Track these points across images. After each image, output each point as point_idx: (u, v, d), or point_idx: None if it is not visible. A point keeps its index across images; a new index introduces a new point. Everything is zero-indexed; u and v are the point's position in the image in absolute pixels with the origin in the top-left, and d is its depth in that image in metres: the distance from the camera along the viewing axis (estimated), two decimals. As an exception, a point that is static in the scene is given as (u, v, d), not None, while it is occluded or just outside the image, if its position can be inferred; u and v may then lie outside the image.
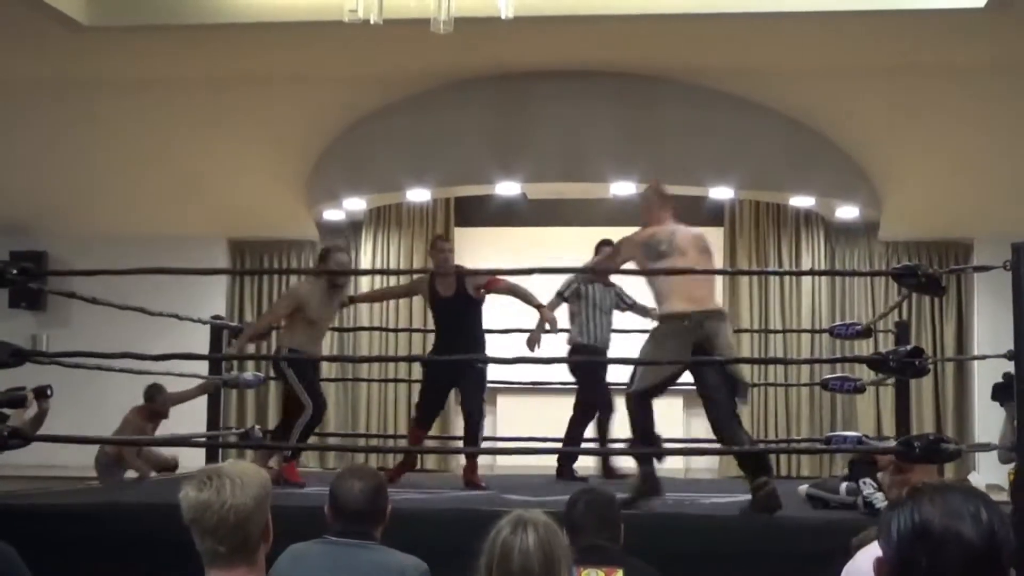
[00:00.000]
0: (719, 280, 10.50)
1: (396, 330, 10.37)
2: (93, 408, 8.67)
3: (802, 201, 10.23)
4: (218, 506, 2.24)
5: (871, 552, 2.29)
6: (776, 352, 10.66)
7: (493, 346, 7.06)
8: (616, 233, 10.28)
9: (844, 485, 5.47)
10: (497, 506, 5.03)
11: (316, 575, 3.17)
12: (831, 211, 10.48)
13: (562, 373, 8.12)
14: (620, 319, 7.70)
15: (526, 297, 6.76)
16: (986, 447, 6.35)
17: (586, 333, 7.41)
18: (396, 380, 10.53)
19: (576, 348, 7.43)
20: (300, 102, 9.42)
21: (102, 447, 7.70)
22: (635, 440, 5.57)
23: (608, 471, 7.44)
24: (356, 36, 7.11)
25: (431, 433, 10.42)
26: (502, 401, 10.09)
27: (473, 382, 6.78)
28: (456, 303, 6.75)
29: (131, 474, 7.81)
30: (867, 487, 5.21)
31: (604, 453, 7.58)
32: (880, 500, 5.07)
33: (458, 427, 7.59)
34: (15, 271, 5.26)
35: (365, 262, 11.06)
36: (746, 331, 10.49)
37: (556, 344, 7.33)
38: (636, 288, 6.96)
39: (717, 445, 5.69)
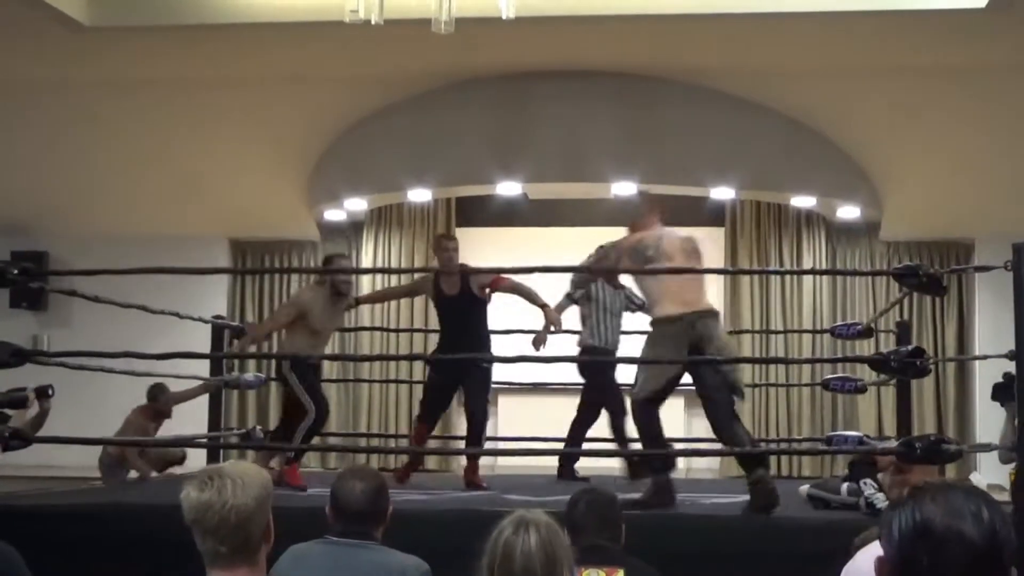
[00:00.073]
0: (714, 281, 10.51)
1: (397, 330, 10.37)
2: (94, 408, 8.68)
3: (803, 201, 10.23)
4: (219, 506, 2.24)
5: (870, 552, 2.29)
6: (777, 352, 10.66)
7: (495, 347, 7.04)
8: (617, 234, 10.41)
9: (845, 485, 5.47)
10: (498, 506, 5.03)
11: (317, 575, 3.17)
12: (832, 211, 10.48)
13: (563, 373, 8.13)
14: (629, 321, 7.68)
15: (531, 296, 6.74)
16: (987, 447, 6.35)
17: (596, 335, 7.39)
18: (397, 381, 10.54)
19: (586, 350, 7.39)
20: (301, 102, 9.43)
21: (105, 447, 7.70)
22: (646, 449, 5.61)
23: (634, 471, 7.31)
24: (357, 36, 7.11)
25: (432, 433, 10.51)
26: (503, 401, 10.09)
27: (477, 382, 6.74)
28: (460, 302, 6.72)
29: (134, 474, 7.81)
30: (868, 488, 5.20)
31: (605, 454, 7.57)
32: (881, 500, 5.07)
33: (460, 427, 7.58)
34: (16, 271, 5.27)
35: (366, 262, 11.06)
36: (747, 331, 10.50)
37: (560, 344, 7.32)
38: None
39: (718, 446, 5.69)
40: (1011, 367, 4.89)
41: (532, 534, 2.44)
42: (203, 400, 7.87)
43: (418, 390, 10.62)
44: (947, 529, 1.53)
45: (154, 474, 7.82)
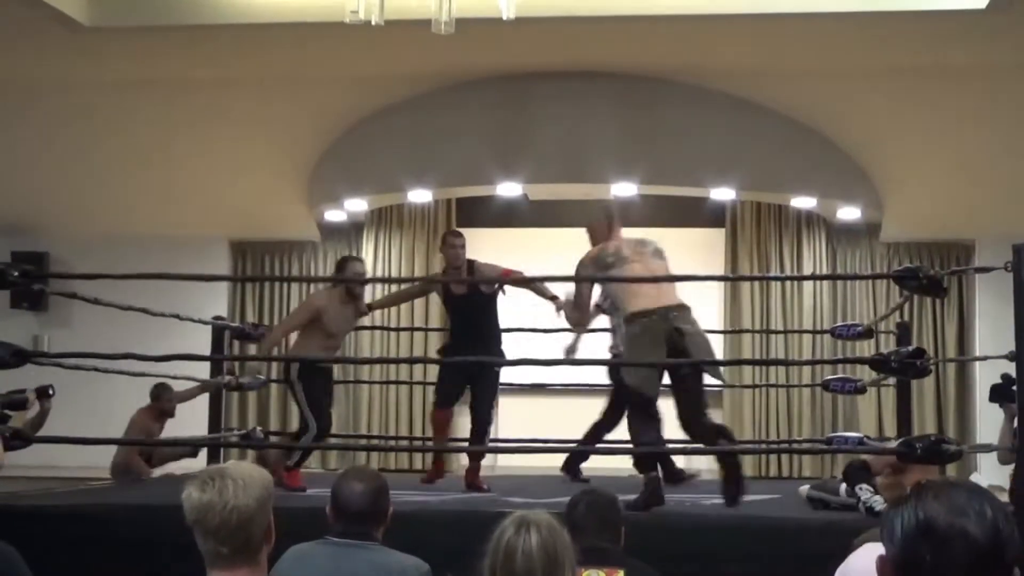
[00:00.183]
0: (715, 282, 10.50)
1: (398, 329, 10.36)
2: (94, 408, 8.68)
3: (803, 202, 10.22)
4: (220, 507, 2.24)
5: (862, 553, 2.29)
6: (777, 353, 10.65)
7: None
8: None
9: (844, 487, 5.47)
10: (499, 507, 5.03)
11: (317, 575, 3.17)
12: (832, 212, 10.48)
13: (563, 375, 8.13)
14: None
15: (540, 290, 6.73)
16: (987, 448, 6.37)
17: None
18: (398, 382, 10.54)
19: (618, 356, 7.34)
20: (302, 103, 9.43)
21: (116, 451, 7.71)
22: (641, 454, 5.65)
23: (670, 475, 7.19)
24: (357, 37, 7.11)
25: (431, 433, 10.50)
26: (504, 402, 10.07)
27: (486, 383, 6.70)
28: (470, 300, 6.68)
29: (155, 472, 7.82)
30: (865, 492, 5.20)
31: (604, 452, 7.56)
32: (880, 503, 5.06)
33: (462, 428, 7.53)
34: (17, 272, 5.28)
35: (366, 263, 11.05)
36: (747, 332, 10.49)
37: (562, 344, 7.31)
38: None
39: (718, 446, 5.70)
40: (1011, 368, 4.89)
41: (533, 534, 2.44)
42: (203, 401, 7.88)
43: (418, 391, 10.70)
44: (950, 527, 1.52)
45: (156, 472, 7.82)
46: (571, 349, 6.93)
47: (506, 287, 6.76)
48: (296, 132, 9.75)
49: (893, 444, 5.50)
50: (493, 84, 9.14)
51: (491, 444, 7.07)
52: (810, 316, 10.71)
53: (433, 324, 10.61)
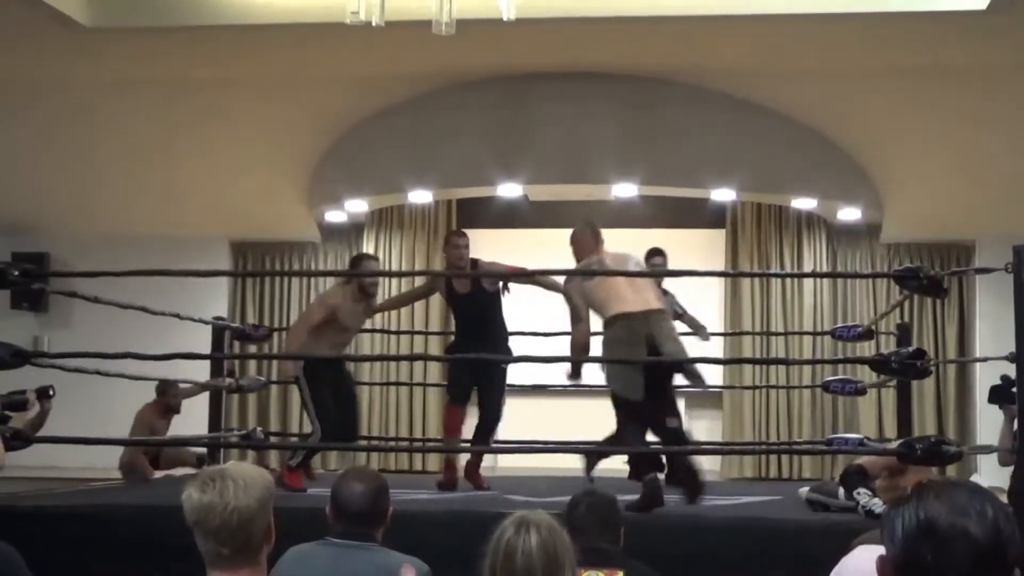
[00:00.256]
0: (716, 282, 10.50)
1: (398, 332, 10.37)
2: (95, 409, 8.68)
3: (804, 203, 10.22)
4: (221, 508, 2.24)
5: (856, 554, 2.29)
6: (778, 354, 10.65)
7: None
8: (618, 234, 10.36)
9: (842, 489, 5.47)
10: (499, 508, 5.03)
11: (318, 576, 3.18)
12: (833, 213, 10.48)
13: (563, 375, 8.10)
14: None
15: (549, 284, 6.73)
16: (988, 449, 6.36)
17: None
18: (398, 383, 10.55)
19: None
20: (302, 104, 9.43)
21: (123, 449, 7.70)
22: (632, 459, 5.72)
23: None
24: (358, 38, 7.10)
25: (432, 434, 10.50)
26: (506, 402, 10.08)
27: (494, 381, 6.66)
28: (474, 299, 6.66)
29: (158, 473, 7.82)
30: (863, 496, 5.19)
31: (598, 451, 7.56)
32: (879, 505, 5.05)
33: (468, 428, 7.46)
34: (17, 272, 5.28)
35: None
36: (748, 333, 10.49)
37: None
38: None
39: (717, 446, 5.71)
40: (1011, 369, 4.89)
41: (533, 535, 2.44)
42: (204, 401, 7.88)
43: (418, 391, 10.71)
44: (951, 527, 1.52)
45: (158, 474, 7.82)
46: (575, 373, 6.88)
47: (510, 286, 6.73)
48: (297, 132, 9.76)
49: (893, 445, 5.50)
50: (493, 85, 9.15)
51: (492, 445, 7.04)
52: (810, 317, 10.71)
53: (433, 327, 10.62)
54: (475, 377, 6.74)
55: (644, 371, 5.62)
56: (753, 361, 10.68)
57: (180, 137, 9.72)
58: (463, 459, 6.83)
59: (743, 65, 8.70)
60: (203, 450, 7.97)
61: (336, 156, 9.96)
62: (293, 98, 9.34)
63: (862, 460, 5.48)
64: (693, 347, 7.94)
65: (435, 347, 10.83)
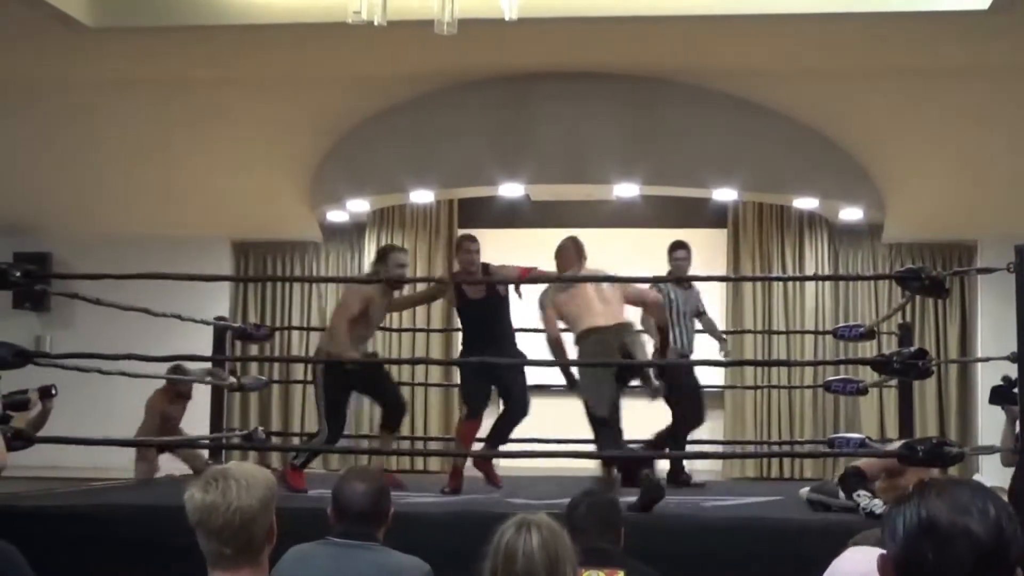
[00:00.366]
0: (717, 283, 10.50)
1: (400, 331, 10.37)
2: (96, 409, 8.69)
3: (806, 203, 10.22)
4: (224, 508, 2.24)
5: (848, 556, 2.28)
6: (779, 354, 10.65)
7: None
8: (620, 234, 10.43)
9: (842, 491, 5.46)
10: (500, 508, 5.03)
11: (319, 576, 3.18)
12: (835, 213, 10.47)
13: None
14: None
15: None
16: (989, 449, 6.36)
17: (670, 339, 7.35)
18: (399, 383, 10.52)
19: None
20: (303, 103, 9.43)
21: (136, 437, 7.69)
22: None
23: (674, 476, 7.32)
24: (360, 37, 7.11)
25: (433, 434, 10.50)
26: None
27: (516, 378, 6.58)
28: (488, 304, 6.60)
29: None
30: (863, 499, 5.19)
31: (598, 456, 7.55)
32: (880, 506, 5.05)
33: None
34: (19, 273, 5.28)
35: (368, 264, 11.05)
36: (749, 332, 10.49)
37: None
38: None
39: (720, 449, 5.72)
40: (1013, 369, 4.89)
41: (534, 536, 2.44)
42: (205, 401, 7.88)
43: (419, 392, 10.69)
44: (953, 525, 1.51)
45: (158, 475, 7.81)
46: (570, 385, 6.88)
47: (522, 289, 6.65)
48: (298, 132, 9.76)
49: (895, 446, 5.50)
50: (495, 85, 9.15)
51: (494, 450, 7.00)
52: (812, 317, 10.70)
53: (435, 325, 10.62)
54: (493, 380, 6.65)
55: (617, 384, 5.90)
56: (755, 363, 10.67)
57: (182, 137, 9.73)
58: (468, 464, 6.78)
59: (745, 65, 8.70)
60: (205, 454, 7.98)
61: (338, 156, 9.96)
62: (294, 98, 9.34)
63: (860, 462, 5.48)
64: (703, 347, 7.97)
65: (436, 345, 10.83)
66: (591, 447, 6.03)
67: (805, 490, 5.98)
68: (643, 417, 7.07)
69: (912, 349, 5.54)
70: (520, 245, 10.57)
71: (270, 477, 2.38)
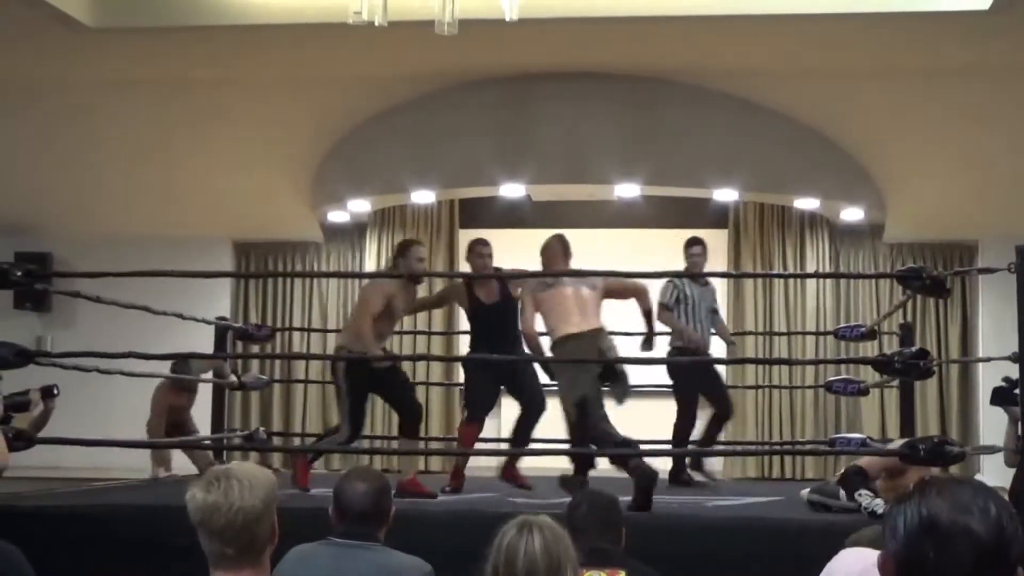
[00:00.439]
0: (718, 283, 10.48)
1: (401, 333, 10.35)
2: (97, 409, 8.69)
3: (806, 203, 10.22)
4: (226, 508, 2.24)
5: (843, 557, 2.28)
6: (780, 354, 10.65)
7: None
8: (619, 235, 10.43)
9: (843, 493, 5.46)
10: (502, 509, 5.03)
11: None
12: (836, 213, 10.47)
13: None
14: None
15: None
16: (991, 449, 6.35)
17: (684, 336, 7.34)
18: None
19: (676, 352, 7.36)
20: (305, 104, 9.43)
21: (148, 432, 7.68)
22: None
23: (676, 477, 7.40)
24: (360, 38, 7.11)
25: (434, 434, 10.49)
26: (507, 403, 10.07)
27: (531, 377, 6.59)
28: (501, 309, 6.57)
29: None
30: (864, 498, 5.18)
31: (594, 454, 7.55)
32: (881, 506, 5.05)
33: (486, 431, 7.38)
34: (20, 273, 5.28)
35: (370, 264, 11.06)
36: (750, 333, 10.48)
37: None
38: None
39: (720, 447, 5.72)
40: (1014, 369, 4.89)
41: (536, 537, 2.44)
42: (206, 401, 7.88)
43: (420, 391, 10.65)
44: (954, 524, 1.50)
45: (159, 470, 7.79)
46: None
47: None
48: (299, 133, 9.76)
49: (896, 445, 5.50)
50: (496, 85, 9.14)
51: (492, 448, 7.02)
52: (813, 317, 10.70)
53: (436, 328, 10.62)
54: (504, 381, 6.65)
55: (596, 386, 6.10)
56: (756, 361, 10.66)
57: (182, 137, 9.73)
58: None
59: (745, 65, 8.69)
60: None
61: (338, 156, 9.96)
62: (295, 98, 9.35)
63: (861, 461, 5.48)
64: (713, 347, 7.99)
65: (437, 347, 10.82)
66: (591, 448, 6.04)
67: (805, 491, 5.98)
68: (646, 417, 7.09)
69: (913, 349, 5.54)
70: (521, 245, 10.54)
71: (272, 477, 2.38)
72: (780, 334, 10.64)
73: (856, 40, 8.12)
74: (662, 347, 7.53)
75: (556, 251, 6.60)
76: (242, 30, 7.98)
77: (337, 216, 10.78)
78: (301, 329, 10.77)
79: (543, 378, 6.69)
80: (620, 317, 7.14)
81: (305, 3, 7.69)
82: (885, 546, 1.58)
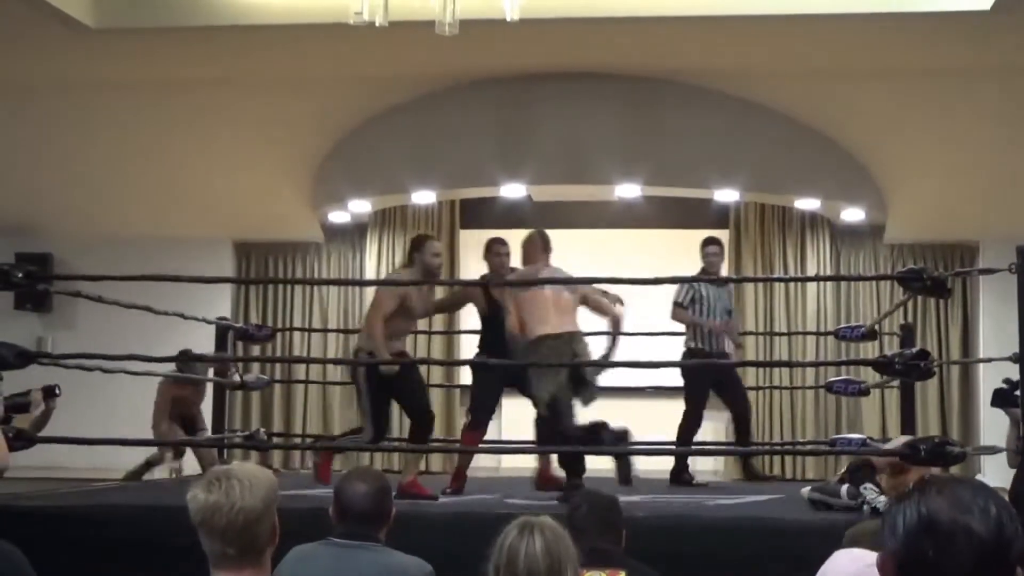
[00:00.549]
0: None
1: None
2: (98, 409, 8.69)
3: (807, 203, 10.22)
4: (227, 508, 2.24)
5: (838, 559, 2.28)
6: (781, 355, 10.65)
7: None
8: (620, 235, 10.44)
9: (845, 488, 5.46)
10: (502, 509, 5.03)
11: (320, 576, 3.18)
12: (836, 213, 10.47)
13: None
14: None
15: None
16: (991, 450, 6.34)
17: (699, 337, 7.32)
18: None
19: (691, 353, 7.33)
20: (305, 104, 9.43)
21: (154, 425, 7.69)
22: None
23: (750, 473, 7.54)
24: (361, 38, 7.11)
25: (435, 434, 10.47)
26: (507, 404, 10.06)
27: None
28: None
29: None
30: (870, 492, 5.19)
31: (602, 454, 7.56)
32: (884, 502, 5.05)
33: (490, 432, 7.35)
34: (21, 274, 5.28)
35: (370, 264, 11.07)
36: (751, 333, 10.48)
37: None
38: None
39: (721, 447, 5.72)
40: (1015, 370, 4.89)
41: (537, 538, 2.45)
42: (207, 401, 7.88)
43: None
44: (953, 523, 1.50)
45: (167, 455, 7.77)
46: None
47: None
48: (300, 133, 9.77)
49: (894, 443, 5.50)
50: (496, 85, 9.15)
51: (493, 445, 7.02)
52: (814, 318, 10.70)
53: (437, 327, 10.61)
54: (512, 383, 6.58)
55: (568, 387, 6.08)
56: (757, 364, 10.66)
57: (183, 137, 9.73)
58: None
59: (746, 65, 8.69)
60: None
61: (339, 156, 9.96)
62: (296, 98, 9.35)
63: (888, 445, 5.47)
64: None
65: (437, 347, 10.82)
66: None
67: (806, 490, 5.98)
68: (646, 418, 7.10)
69: (914, 350, 5.54)
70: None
71: (272, 477, 2.38)
72: (781, 334, 10.64)
73: (857, 40, 8.12)
74: (675, 347, 7.54)
75: (536, 246, 6.54)
76: (242, 30, 7.98)
77: (338, 216, 10.78)
78: (301, 329, 10.78)
79: None
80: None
81: (305, 3, 7.69)
82: (884, 544, 1.58)
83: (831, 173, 9.70)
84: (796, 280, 11.03)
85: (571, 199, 10.50)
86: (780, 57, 8.54)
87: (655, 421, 7.55)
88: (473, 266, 8.69)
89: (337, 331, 10.61)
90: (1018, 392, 5.19)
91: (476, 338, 6.92)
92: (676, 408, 7.43)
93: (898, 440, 5.69)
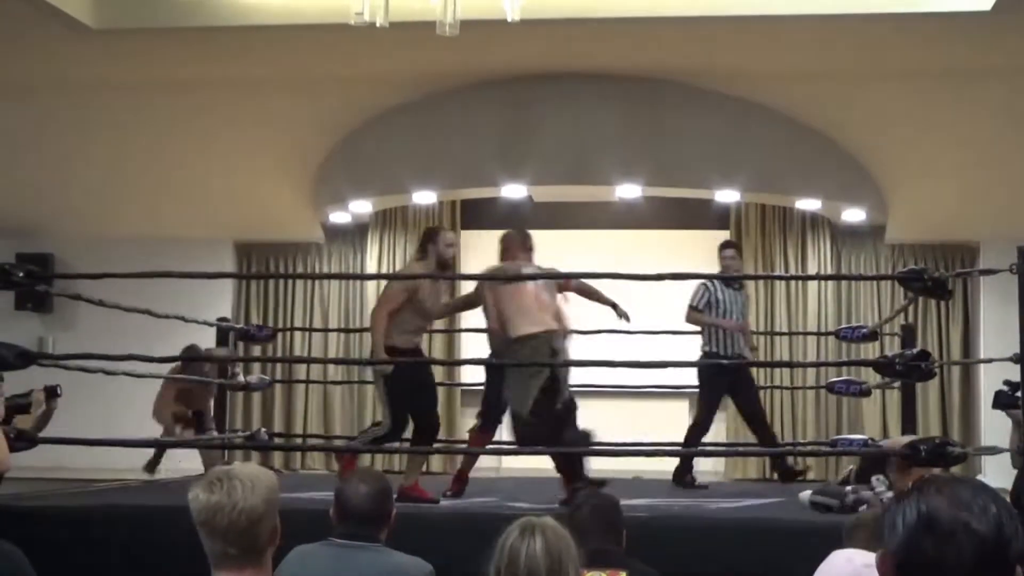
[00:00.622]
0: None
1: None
2: (100, 409, 8.68)
3: (808, 204, 10.21)
4: (229, 508, 2.24)
5: (833, 560, 2.29)
6: (782, 355, 10.64)
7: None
8: (621, 235, 10.43)
9: (849, 489, 5.46)
10: (503, 511, 5.03)
11: (321, 576, 3.18)
12: (837, 214, 10.47)
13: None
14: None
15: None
16: (992, 450, 6.34)
17: (714, 341, 7.31)
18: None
19: (707, 357, 7.32)
20: (306, 105, 9.44)
21: (157, 413, 7.68)
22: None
23: (785, 474, 7.55)
24: (362, 39, 7.11)
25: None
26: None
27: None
28: None
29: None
30: (880, 484, 5.19)
31: (606, 454, 7.56)
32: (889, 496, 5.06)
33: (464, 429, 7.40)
34: (21, 274, 5.28)
35: (371, 265, 11.07)
36: (752, 333, 10.46)
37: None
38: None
39: (721, 448, 5.72)
40: (1015, 371, 4.89)
41: (538, 539, 2.45)
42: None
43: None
44: (953, 521, 1.50)
45: (176, 429, 7.77)
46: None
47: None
48: (301, 134, 9.77)
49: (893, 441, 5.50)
50: (497, 86, 9.15)
51: (494, 447, 7.00)
52: (815, 318, 10.70)
53: (437, 325, 10.60)
54: None
55: (545, 385, 6.01)
56: (757, 364, 10.64)
57: (183, 138, 9.73)
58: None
59: (746, 66, 8.69)
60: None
61: (340, 157, 9.96)
62: (297, 99, 9.35)
63: (885, 443, 5.48)
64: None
65: (439, 345, 10.81)
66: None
67: (807, 493, 5.98)
68: (653, 418, 7.11)
69: (915, 351, 5.54)
70: (522, 246, 10.56)
71: (273, 478, 2.38)
72: (782, 334, 10.64)
73: (857, 41, 8.12)
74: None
75: (516, 243, 6.52)
76: (242, 30, 7.98)
77: (338, 217, 10.78)
78: (302, 329, 10.78)
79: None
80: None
81: (305, 3, 7.69)
82: (883, 542, 1.58)
83: (831, 173, 9.69)
84: (797, 279, 11.02)
85: (572, 199, 10.50)
86: (780, 57, 8.54)
87: (655, 421, 7.56)
88: (474, 266, 8.69)
89: (338, 331, 10.62)
90: (1018, 393, 5.19)
91: (476, 337, 6.91)
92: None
93: (897, 439, 5.71)
